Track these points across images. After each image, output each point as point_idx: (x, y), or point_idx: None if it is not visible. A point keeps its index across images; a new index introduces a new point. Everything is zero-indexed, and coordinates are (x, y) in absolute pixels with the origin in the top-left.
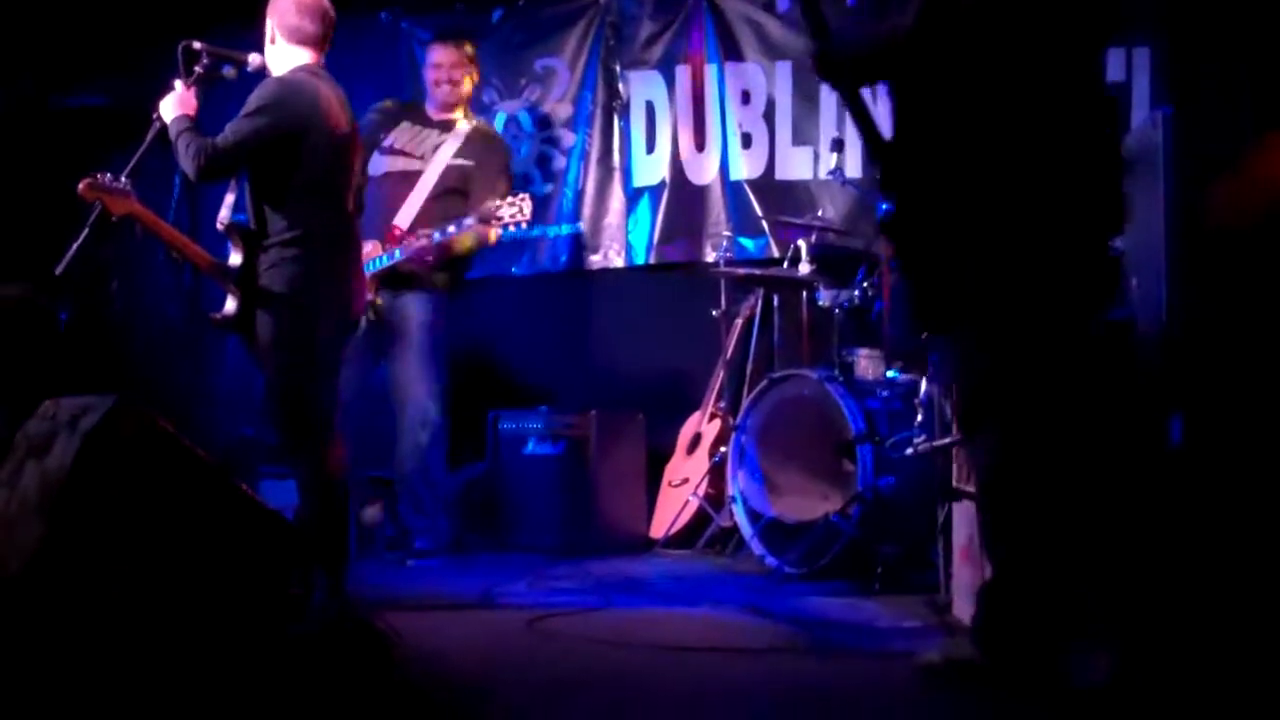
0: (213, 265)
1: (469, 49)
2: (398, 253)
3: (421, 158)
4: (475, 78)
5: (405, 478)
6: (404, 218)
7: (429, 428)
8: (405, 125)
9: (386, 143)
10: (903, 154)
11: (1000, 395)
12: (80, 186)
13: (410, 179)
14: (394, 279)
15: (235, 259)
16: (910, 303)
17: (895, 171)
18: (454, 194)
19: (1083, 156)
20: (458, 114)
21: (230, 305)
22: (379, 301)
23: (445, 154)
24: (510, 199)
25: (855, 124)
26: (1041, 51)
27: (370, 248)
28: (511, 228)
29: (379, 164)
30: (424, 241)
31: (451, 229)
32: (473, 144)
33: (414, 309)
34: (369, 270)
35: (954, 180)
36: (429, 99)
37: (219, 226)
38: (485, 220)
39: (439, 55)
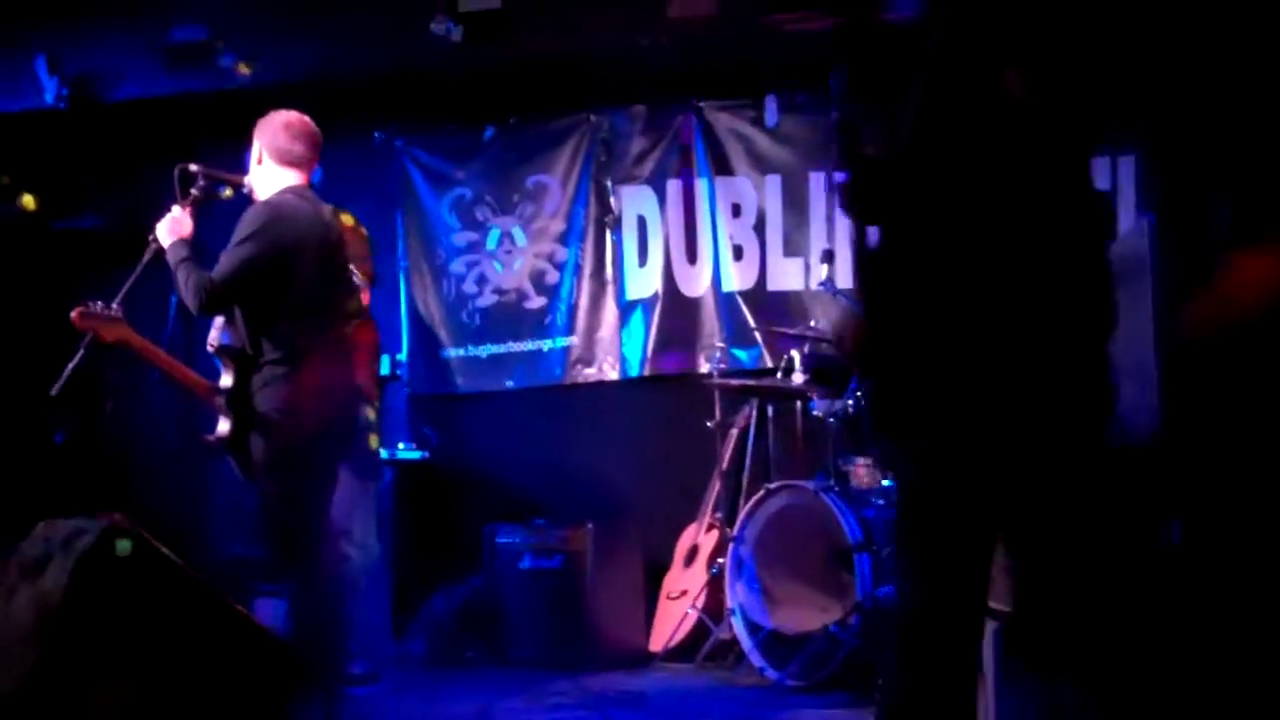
0: (204, 388)
1: None
2: None
3: None
4: None
5: None
6: None
7: None
8: None
9: None
10: (890, 264)
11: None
12: (73, 315)
13: None
14: None
15: (226, 380)
16: (873, 409)
17: (879, 282)
18: None
19: (1075, 262)
20: None
21: (223, 426)
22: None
23: None
24: None
25: (853, 239)
26: (1031, 159)
27: None
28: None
29: None
30: None
31: None
32: None
33: None
34: None
35: (941, 289)
36: None
37: (209, 348)
38: None
39: None
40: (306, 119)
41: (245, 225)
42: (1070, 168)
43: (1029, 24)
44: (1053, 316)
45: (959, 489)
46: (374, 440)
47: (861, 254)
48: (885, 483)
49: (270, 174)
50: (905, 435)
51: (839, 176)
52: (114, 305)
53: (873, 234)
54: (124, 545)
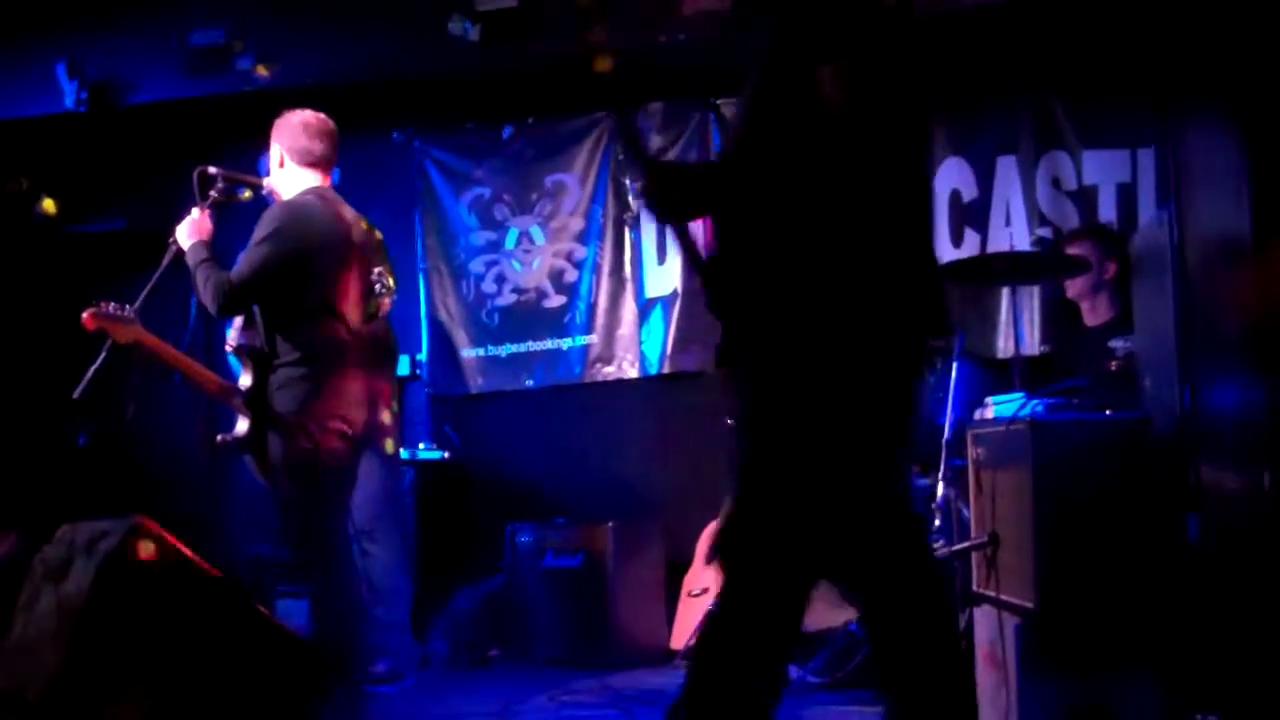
0: (222, 388)
1: None
2: None
3: None
4: None
5: None
6: None
7: None
8: None
9: None
10: (726, 273)
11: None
12: (84, 316)
13: None
14: None
15: (245, 380)
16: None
17: (721, 291)
18: None
19: (896, 264)
20: None
21: (241, 426)
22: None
23: None
24: None
25: (680, 247)
26: (847, 160)
27: None
28: None
29: None
30: None
31: None
32: None
33: None
34: None
35: (773, 295)
36: None
37: (228, 349)
38: None
39: None
40: (323, 117)
41: (264, 225)
42: (891, 169)
43: (842, 21)
44: (870, 325)
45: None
46: (390, 444)
47: (696, 262)
48: None
49: (292, 176)
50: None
51: (637, 182)
52: (127, 306)
53: (707, 242)
54: (147, 547)
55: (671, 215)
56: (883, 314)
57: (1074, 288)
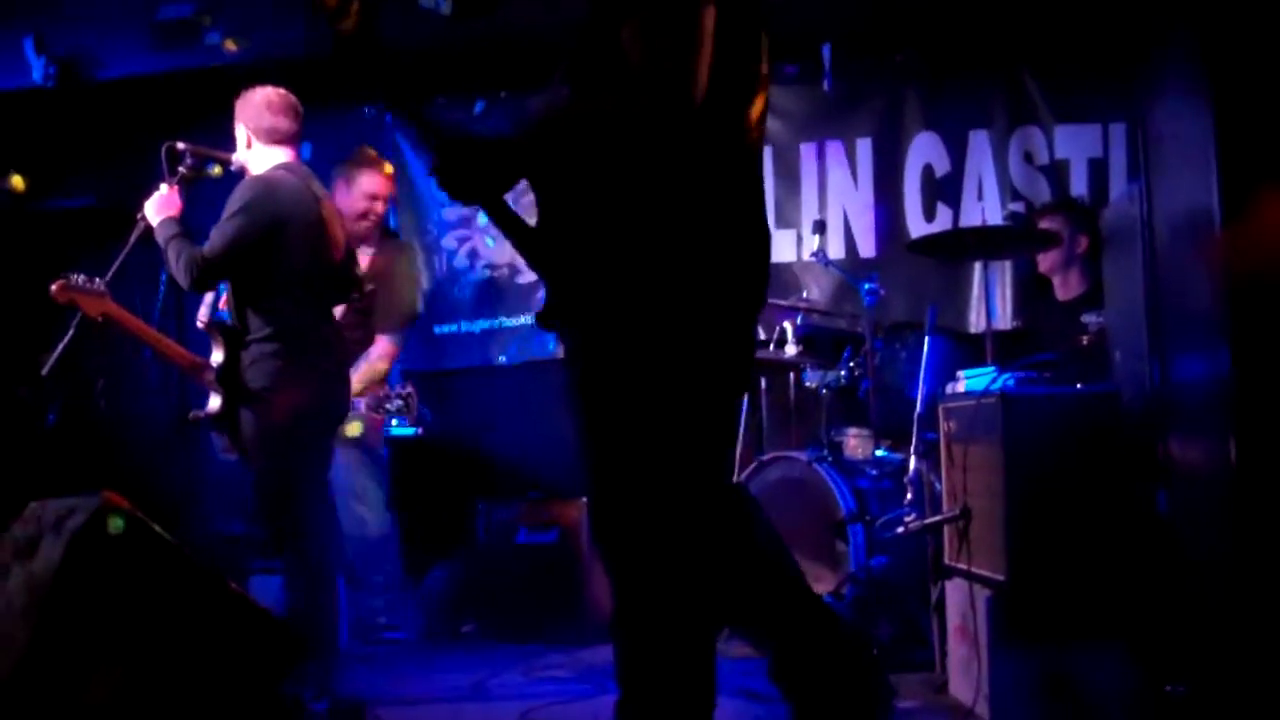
0: (193, 363)
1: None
2: None
3: None
4: None
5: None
6: None
7: None
8: None
9: None
10: (549, 240)
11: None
12: (53, 288)
13: None
14: None
15: (217, 356)
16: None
17: (544, 259)
18: (359, 317)
19: (718, 226)
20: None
21: (214, 403)
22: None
23: None
24: (400, 393)
25: (496, 223)
26: (649, 122)
27: None
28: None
29: None
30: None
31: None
32: (376, 262)
33: None
34: None
35: (594, 260)
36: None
37: (199, 325)
38: (375, 409)
39: (376, 183)
40: (285, 92)
41: (235, 200)
42: (701, 129)
43: None
44: (692, 286)
45: None
46: (355, 427)
47: (515, 234)
48: (879, 453)
49: (259, 155)
50: None
51: (431, 162)
52: (97, 279)
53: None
54: (116, 524)
55: (467, 196)
56: (708, 276)
57: (1046, 262)
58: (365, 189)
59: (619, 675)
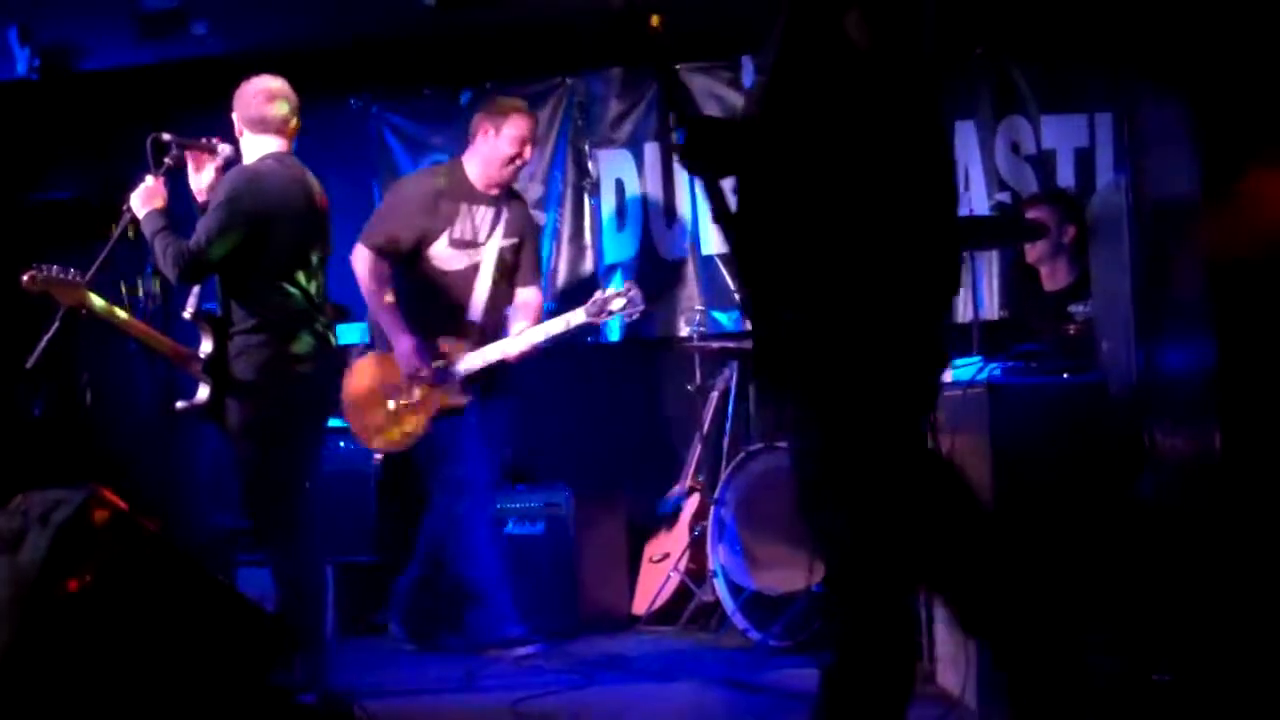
0: (179, 354)
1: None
2: (497, 351)
3: (478, 245)
4: None
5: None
6: (475, 312)
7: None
8: (463, 208)
9: (455, 234)
10: (750, 227)
11: (837, 477)
12: (24, 279)
13: (472, 272)
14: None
15: (205, 347)
16: (761, 386)
17: (753, 243)
18: (505, 276)
19: (918, 223)
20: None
21: (202, 393)
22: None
23: (497, 238)
24: (621, 290)
25: (710, 201)
26: (877, 105)
27: (452, 345)
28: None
29: (448, 258)
30: (538, 340)
31: (558, 327)
32: (515, 219)
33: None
34: (462, 372)
35: (795, 248)
36: (484, 172)
37: (186, 315)
38: (597, 315)
39: (524, 127)
40: (279, 82)
41: (221, 191)
42: (917, 113)
43: None
44: (894, 276)
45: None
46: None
47: (725, 218)
48: None
49: (250, 144)
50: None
51: (678, 137)
52: (72, 269)
53: (731, 197)
54: (102, 517)
55: (709, 171)
56: (912, 268)
57: (1033, 252)
58: (513, 134)
59: (834, 640)
